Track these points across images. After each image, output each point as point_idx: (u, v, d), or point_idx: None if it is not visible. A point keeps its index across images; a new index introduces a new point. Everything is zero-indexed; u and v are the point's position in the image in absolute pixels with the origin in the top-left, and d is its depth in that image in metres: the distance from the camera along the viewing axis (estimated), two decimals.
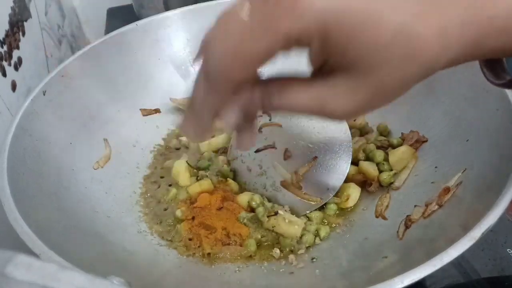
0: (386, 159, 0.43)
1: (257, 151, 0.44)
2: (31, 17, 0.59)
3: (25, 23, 0.56)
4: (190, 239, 0.39)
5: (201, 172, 0.45)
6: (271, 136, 0.45)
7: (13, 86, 0.50)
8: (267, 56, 0.21)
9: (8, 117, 0.47)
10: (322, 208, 0.42)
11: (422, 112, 0.45)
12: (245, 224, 0.40)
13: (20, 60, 0.53)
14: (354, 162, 0.44)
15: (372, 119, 0.49)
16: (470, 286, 0.36)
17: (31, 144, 0.39)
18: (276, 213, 0.39)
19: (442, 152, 0.40)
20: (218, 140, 0.49)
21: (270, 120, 0.46)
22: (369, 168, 0.43)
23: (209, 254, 0.38)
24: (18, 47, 0.52)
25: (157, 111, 0.54)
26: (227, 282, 0.36)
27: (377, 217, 0.40)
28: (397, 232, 0.36)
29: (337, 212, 0.42)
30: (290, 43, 0.20)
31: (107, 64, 0.50)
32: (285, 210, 0.40)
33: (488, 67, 0.26)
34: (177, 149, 0.50)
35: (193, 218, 0.41)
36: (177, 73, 0.55)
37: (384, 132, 0.47)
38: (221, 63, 0.21)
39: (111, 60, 0.50)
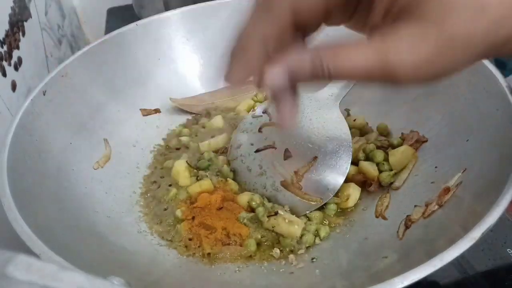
0: (386, 159, 0.43)
1: (257, 151, 0.44)
2: (31, 17, 0.59)
3: (25, 23, 0.56)
4: (190, 239, 0.39)
5: (201, 172, 0.45)
6: (271, 136, 0.45)
7: (13, 86, 0.50)
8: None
9: (8, 117, 0.47)
10: (322, 208, 0.41)
11: (422, 112, 0.45)
12: (245, 224, 0.40)
13: (20, 60, 0.53)
14: (354, 162, 0.44)
15: (372, 119, 0.49)
16: (467, 283, 0.36)
17: (31, 144, 0.39)
18: (276, 213, 0.39)
19: (442, 152, 0.40)
20: (218, 140, 0.49)
21: (270, 120, 0.46)
22: (369, 168, 0.43)
23: (209, 254, 0.38)
24: (18, 47, 0.52)
25: (157, 111, 0.54)
26: (227, 282, 0.36)
27: (377, 217, 0.40)
28: (397, 232, 0.36)
29: (337, 212, 0.42)
30: None
31: (107, 64, 0.50)
32: (285, 210, 0.40)
33: None
34: (177, 149, 0.50)
35: (193, 218, 0.41)
36: (177, 73, 0.55)
37: (384, 132, 0.47)
38: None
39: (111, 60, 0.50)
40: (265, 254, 0.39)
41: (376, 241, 0.37)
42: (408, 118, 0.46)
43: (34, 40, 0.59)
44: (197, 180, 0.44)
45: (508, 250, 0.38)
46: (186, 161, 0.46)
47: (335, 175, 0.41)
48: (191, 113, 0.55)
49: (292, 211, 0.41)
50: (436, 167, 0.40)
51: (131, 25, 0.52)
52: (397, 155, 0.42)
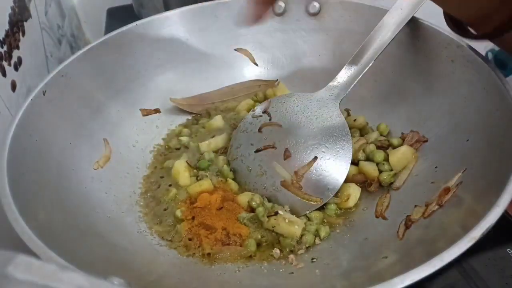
0: (386, 159, 0.43)
1: (257, 151, 0.44)
2: (31, 17, 0.59)
3: (25, 23, 0.56)
4: (190, 239, 0.39)
5: (201, 172, 0.45)
6: (271, 136, 0.45)
7: (13, 86, 0.50)
8: None
9: (8, 117, 0.47)
10: (322, 208, 0.42)
11: (422, 112, 0.45)
12: (245, 224, 0.40)
13: (20, 60, 0.53)
14: (354, 162, 0.44)
15: (372, 119, 0.49)
16: (467, 283, 0.36)
17: (31, 144, 0.39)
18: (276, 213, 0.39)
19: (442, 152, 0.40)
20: (218, 140, 0.49)
21: (270, 120, 0.46)
22: (369, 168, 0.43)
23: (209, 254, 0.38)
24: (18, 47, 0.52)
25: (157, 111, 0.54)
26: (227, 282, 0.36)
27: (377, 217, 0.40)
28: (397, 232, 0.36)
29: (337, 212, 0.42)
30: None
31: (107, 64, 0.50)
32: (285, 210, 0.40)
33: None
34: (177, 149, 0.50)
35: (193, 218, 0.41)
36: (177, 73, 0.55)
37: (384, 132, 0.47)
38: None
39: (111, 60, 0.50)
40: (265, 254, 0.39)
41: (376, 241, 0.37)
42: (408, 118, 0.46)
43: (34, 40, 0.59)
44: (197, 180, 0.44)
45: (508, 250, 0.38)
46: (186, 161, 0.46)
47: (335, 175, 0.41)
48: (191, 113, 0.55)
49: (292, 211, 0.41)
50: (436, 167, 0.40)
51: (131, 25, 0.52)
52: (397, 155, 0.42)
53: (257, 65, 0.58)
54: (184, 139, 0.50)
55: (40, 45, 0.62)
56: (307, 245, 0.38)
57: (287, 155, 0.43)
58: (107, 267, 0.34)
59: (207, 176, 0.44)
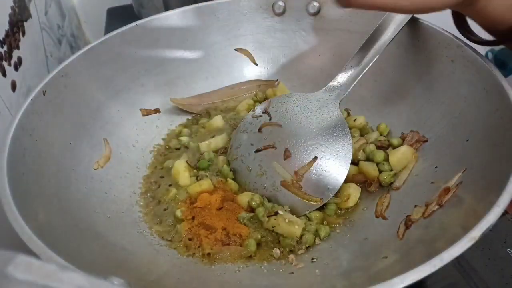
0: (386, 159, 0.43)
1: (257, 151, 0.44)
2: (31, 17, 0.59)
3: (25, 23, 0.56)
4: (190, 239, 0.39)
5: (201, 172, 0.45)
6: (271, 136, 0.45)
7: (13, 86, 0.50)
8: None
9: (8, 117, 0.47)
10: (322, 208, 0.42)
11: (422, 112, 0.45)
12: (245, 224, 0.40)
13: (20, 60, 0.53)
14: (354, 162, 0.44)
15: (372, 119, 0.49)
16: (467, 283, 0.36)
17: (31, 144, 0.39)
18: (276, 213, 0.39)
19: (442, 152, 0.40)
20: (218, 140, 0.49)
21: (270, 120, 0.46)
22: (369, 168, 0.43)
23: (209, 254, 0.38)
24: (18, 47, 0.52)
25: (157, 111, 0.54)
26: (227, 282, 0.36)
27: (377, 217, 0.40)
28: (397, 232, 0.36)
29: (337, 212, 0.42)
30: None
31: (107, 64, 0.50)
32: (285, 210, 0.40)
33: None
34: (177, 149, 0.50)
35: (193, 218, 0.41)
36: (177, 73, 0.55)
37: (384, 132, 0.47)
38: None
39: (111, 60, 0.50)
40: (265, 254, 0.39)
41: (376, 241, 0.37)
42: (408, 118, 0.46)
43: (34, 40, 0.59)
44: (197, 180, 0.44)
45: (508, 250, 0.38)
46: (186, 161, 0.46)
47: (335, 175, 0.41)
48: (191, 113, 0.55)
49: (292, 211, 0.41)
50: (436, 167, 0.40)
51: (131, 25, 0.52)
52: (397, 155, 0.42)
53: (257, 65, 0.58)
54: (184, 139, 0.50)
55: (40, 45, 0.62)
56: (307, 245, 0.38)
57: (287, 155, 0.43)
58: (107, 267, 0.34)
59: (207, 176, 0.44)
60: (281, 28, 0.56)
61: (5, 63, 0.48)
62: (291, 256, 0.38)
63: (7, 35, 0.50)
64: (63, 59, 0.49)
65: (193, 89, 0.56)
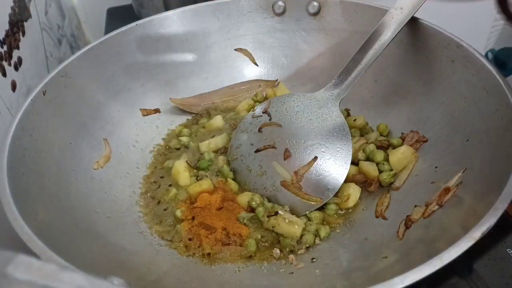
0: (386, 159, 0.43)
1: (257, 151, 0.44)
2: (31, 17, 0.59)
3: (25, 23, 0.56)
4: (190, 239, 0.39)
5: (201, 172, 0.45)
6: (271, 136, 0.45)
7: (13, 86, 0.50)
8: None
9: (8, 117, 0.47)
10: (322, 208, 0.42)
11: (422, 112, 0.45)
12: (245, 224, 0.40)
13: (20, 60, 0.53)
14: (354, 162, 0.44)
15: (372, 119, 0.49)
16: (467, 283, 0.36)
17: (31, 144, 0.39)
18: (276, 213, 0.39)
19: (442, 152, 0.40)
20: (218, 140, 0.49)
21: (270, 120, 0.46)
22: (369, 168, 0.43)
23: (209, 254, 0.38)
24: (18, 47, 0.52)
25: (157, 111, 0.54)
26: (227, 282, 0.36)
27: (377, 217, 0.40)
28: (397, 232, 0.36)
29: (337, 212, 0.42)
30: None
31: (107, 64, 0.50)
32: (285, 210, 0.40)
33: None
34: (177, 149, 0.50)
35: (193, 218, 0.41)
36: (177, 73, 0.55)
37: (384, 132, 0.47)
38: None
39: (111, 60, 0.50)
40: (265, 254, 0.39)
41: (376, 241, 0.37)
42: (408, 118, 0.46)
43: (34, 40, 0.59)
44: (197, 180, 0.44)
45: (508, 250, 0.38)
46: (186, 161, 0.46)
47: (335, 175, 0.41)
48: (191, 113, 0.55)
49: (292, 211, 0.41)
50: (436, 167, 0.40)
51: (131, 25, 0.52)
52: (397, 155, 0.42)
53: (257, 65, 0.58)
54: (184, 139, 0.50)
55: (40, 45, 0.62)
56: (307, 245, 0.38)
57: (287, 155, 0.43)
58: (107, 267, 0.34)
59: (207, 176, 0.44)
60: (281, 28, 0.56)
61: (5, 63, 0.48)
62: (291, 256, 0.38)
63: (7, 35, 0.50)
64: (63, 59, 0.49)
65: (193, 89, 0.56)
